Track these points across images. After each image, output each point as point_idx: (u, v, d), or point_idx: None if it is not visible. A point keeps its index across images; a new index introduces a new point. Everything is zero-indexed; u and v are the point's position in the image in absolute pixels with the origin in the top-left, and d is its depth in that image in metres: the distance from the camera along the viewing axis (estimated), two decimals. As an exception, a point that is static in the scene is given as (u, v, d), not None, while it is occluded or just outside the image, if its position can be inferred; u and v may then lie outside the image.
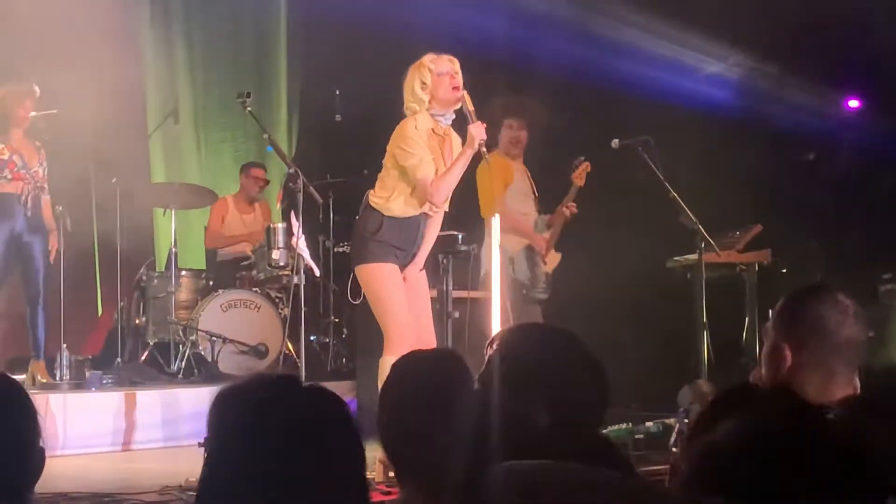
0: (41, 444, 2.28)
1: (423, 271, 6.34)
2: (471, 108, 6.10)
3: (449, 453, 2.25)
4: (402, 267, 6.15)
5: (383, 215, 6.11)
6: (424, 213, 6.21)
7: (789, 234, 8.57)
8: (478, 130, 6.02)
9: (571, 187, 8.07)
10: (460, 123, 6.20)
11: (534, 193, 8.29)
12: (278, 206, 9.46)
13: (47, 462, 2.27)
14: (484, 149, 6.06)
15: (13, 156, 7.91)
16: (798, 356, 2.78)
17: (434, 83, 6.09)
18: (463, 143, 6.15)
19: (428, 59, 6.15)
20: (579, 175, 8.03)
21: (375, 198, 6.16)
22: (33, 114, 8.13)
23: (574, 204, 8.09)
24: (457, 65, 6.16)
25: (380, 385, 5.90)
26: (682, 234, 7.81)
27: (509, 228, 7.67)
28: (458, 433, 2.30)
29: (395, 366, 2.95)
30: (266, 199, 10.04)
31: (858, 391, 2.82)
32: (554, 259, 8.14)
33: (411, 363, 2.91)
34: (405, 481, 2.74)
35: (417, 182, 6.06)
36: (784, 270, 8.36)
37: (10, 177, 7.90)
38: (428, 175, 6.06)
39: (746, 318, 8.14)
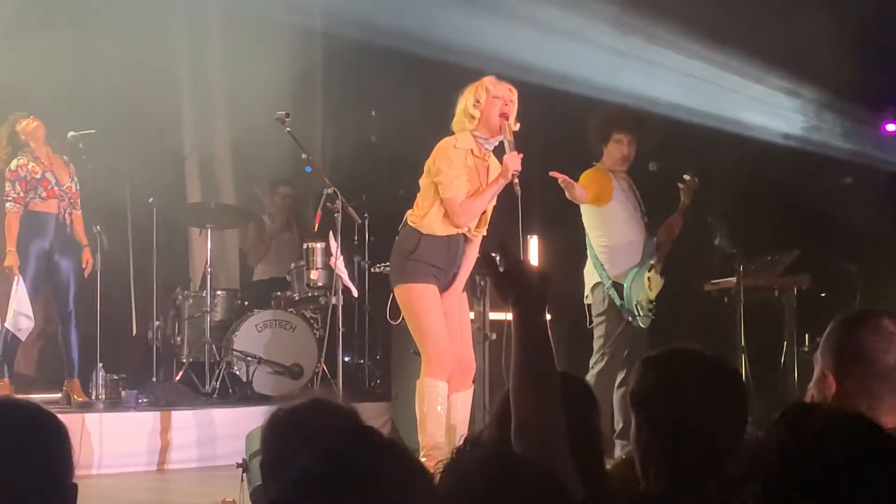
0: (73, 480, 2.20)
1: (464, 293, 6.30)
2: (510, 137, 6.01)
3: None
4: (442, 288, 6.09)
5: (421, 234, 6.06)
6: (464, 234, 6.17)
7: (828, 258, 8.48)
8: (513, 161, 5.94)
9: (680, 204, 7.57)
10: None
11: (641, 211, 7.55)
12: (316, 226, 9.44)
13: (82, 482, 2.22)
14: (517, 181, 5.95)
15: (46, 173, 7.93)
16: (842, 384, 2.75)
17: (487, 104, 6.03)
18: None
19: (489, 79, 6.10)
20: (686, 191, 7.54)
21: (413, 216, 6.13)
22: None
23: (682, 220, 7.57)
24: (514, 94, 6.09)
25: (417, 406, 5.89)
26: (720, 258, 7.75)
27: (611, 256, 7.37)
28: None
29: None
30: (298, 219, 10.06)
31: None
32: (657, 284, 7.44)
33: None
34: None
35: (445, 200, 6.00)
36: (823, 295, 8.28)
37: (44, 195, 7.91)
38: (457, 195, 5.99)
39: (785, 343, 8.05)
